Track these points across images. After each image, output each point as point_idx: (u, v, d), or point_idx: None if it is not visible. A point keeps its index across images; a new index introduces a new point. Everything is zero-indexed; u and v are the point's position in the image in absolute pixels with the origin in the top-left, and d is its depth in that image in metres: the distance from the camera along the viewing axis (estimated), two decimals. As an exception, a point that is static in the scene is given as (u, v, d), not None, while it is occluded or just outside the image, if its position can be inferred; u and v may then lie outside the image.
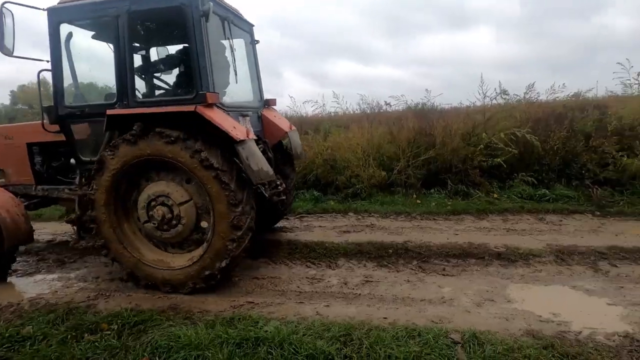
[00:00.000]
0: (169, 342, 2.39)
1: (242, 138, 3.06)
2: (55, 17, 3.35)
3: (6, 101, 35.08)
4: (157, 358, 2.28)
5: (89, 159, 3.48)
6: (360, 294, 3.16)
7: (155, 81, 4.04)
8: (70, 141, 3.51)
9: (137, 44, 3.93)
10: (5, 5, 3.13)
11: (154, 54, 4.23)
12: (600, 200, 5.20)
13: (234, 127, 3.09)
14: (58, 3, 3.40)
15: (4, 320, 2.87)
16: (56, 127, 3.47)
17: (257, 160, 3.18)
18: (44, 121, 3.50)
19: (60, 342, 2.51)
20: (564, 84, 8.31)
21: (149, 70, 4.03)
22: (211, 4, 3.08)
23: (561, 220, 4.82)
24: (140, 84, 3.88)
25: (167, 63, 3.95)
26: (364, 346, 2.27)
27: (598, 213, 5.01)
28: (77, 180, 3.61)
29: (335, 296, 3.14)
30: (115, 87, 3.34)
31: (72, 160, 3.68)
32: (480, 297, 2.99)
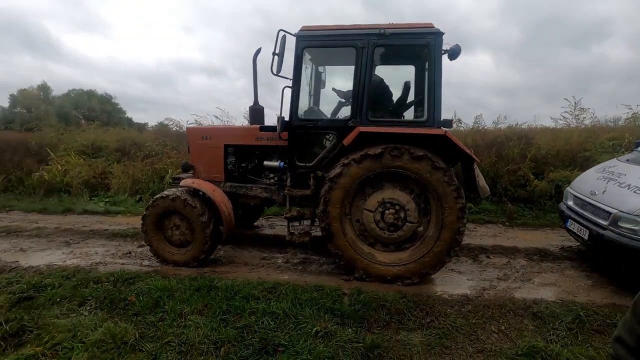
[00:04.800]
0: (149, 287, 3.45)
1: (476, 159, 3.77)
2: (303, 42, 3.83)
3: (5, 104, 36.16)
4: (140, 297, 3.34)
5: (303, 164, 4.02)
6: (296, 269, 4.25)
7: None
8: (291, 148, 4.01)
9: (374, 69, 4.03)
10: (280, 30, 3.69)
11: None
12: (511, 214, 6.39)
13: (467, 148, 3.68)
14: (301, 29, 3.85)
15: (28, 276, 3.90)
16: (285, 135, 3.99)
17: (482, 178, 3.88)
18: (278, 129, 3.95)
19: (72, 288, 3.55)
20: (505, 117, 9.74)
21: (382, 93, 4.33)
22: (459, 46, 3.64)
23: (475, 228, 5.98)
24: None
25: (402, 89, 4.35)
26: (281, 293, 3.36)
27: (507, 223, 6.19)
28: (287, 182, 4.10)
29: (276, 269, 4.23)
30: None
31: (266, 163, 4.34)
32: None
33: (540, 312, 3.11)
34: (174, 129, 11.40)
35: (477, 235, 5.57)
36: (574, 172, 6.72)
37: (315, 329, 2.85)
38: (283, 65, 3.85)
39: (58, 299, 3.37)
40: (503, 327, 2.97)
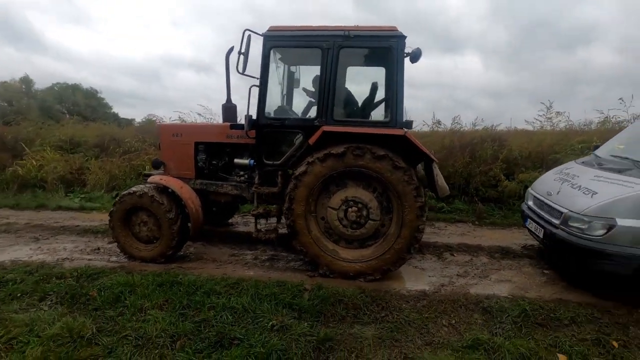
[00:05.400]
0: (112, 283, 3.48)
1: (435, 159, 3.87)
2: (270, 42, 3.88)
3: (-13, 96, 35.08)
4: (102, 292, 3.36)
5: (271, 162, 4.07)
6: (263, 265, 4.31)
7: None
8: (259, 146, 4.05)
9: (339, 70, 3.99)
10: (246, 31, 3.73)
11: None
12: (480, 213, 6.57)
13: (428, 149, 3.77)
14: (269, 30, 3.90)
15: (-9, 271, 3.86)
16: (253, 133, 4.01)
17: (441, 178, 3.96)
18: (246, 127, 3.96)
19: (34, 283, 3.54)
20: (482, 119, 9.97)
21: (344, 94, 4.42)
22: (420, 50, 3.76)
23: (446, 226, 6.14)
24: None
25: (370, 90, 4.40)
26: (243, 288, 3.42)
27: (477, 223, 6.36)
28: (255, 180, 4.16)
29: (244, 266, 4.29)
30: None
31: (237, 160, 4.37)
32: (345, 270, 4.18)
33: (490, 307, 3.25)
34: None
35: (445, 233, 5.72)
36: (542, 174, 6.93)
37: (271, 322, 2.92)
38: (255, 65, 3.92)
39: (19, 294, 3.36)
40: (453, 321, 3.09)
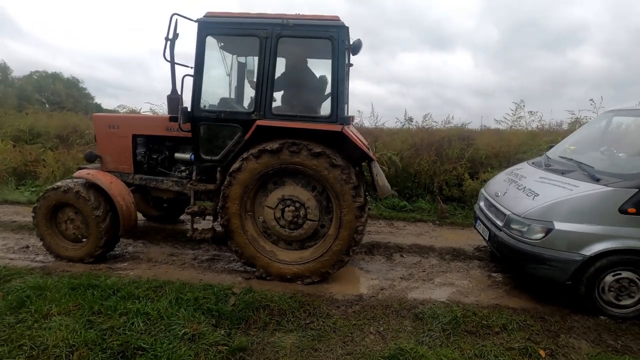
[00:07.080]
0: (22, 286, 3.21)
1: (374, 158, 3.70)
2: (204, 29, 3.61)
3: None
4: (8, 296, 3.09)
5: (209, 157, 3.82)
6: (200, 266, 4.09)
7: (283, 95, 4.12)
8: (195, 140, 3.81)
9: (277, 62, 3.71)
10: (174, 15, 3.53)
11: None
12: (442, 213, 6.46)
13: (366, 147, 3.64)
14: (205, 15, 3.64)
15: None
16: (188, 126, 3.72)
17: (382, 177, 3.73)
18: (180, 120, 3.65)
19: (-64, 286, 3.25)
20: (452, 116, 9.86)
21: (283, 86, 4.09)
22: (361, 41, 3.64)
23: (405, 226, 6.00)
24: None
25: (304, 83, 4.18)
26: (165, 292, 3.20)
27: (438, 222, 6.25)
28: (193, 176, 3.90)
29: (179, 266, 4.05)
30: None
31: (177, 155, 4.14)
32: (286, 271, 3.99)
33: (422, 313, 3.10)
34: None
35: (402, 233, 5.58)
36: (504, 173, 6.87)
37: (184, 330, 2.72)
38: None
39: None
40: (382, 329, 2.94)
